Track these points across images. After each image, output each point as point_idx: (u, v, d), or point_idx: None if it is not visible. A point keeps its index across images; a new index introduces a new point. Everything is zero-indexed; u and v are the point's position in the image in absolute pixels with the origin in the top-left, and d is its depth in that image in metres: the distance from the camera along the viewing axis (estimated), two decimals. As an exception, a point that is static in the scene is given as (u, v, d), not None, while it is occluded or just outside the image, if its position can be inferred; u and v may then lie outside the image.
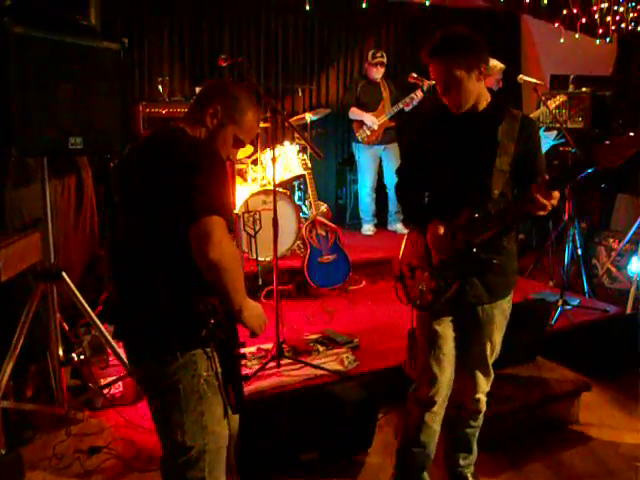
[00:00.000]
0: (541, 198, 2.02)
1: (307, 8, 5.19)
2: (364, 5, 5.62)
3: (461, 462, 2.65)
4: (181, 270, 1.73)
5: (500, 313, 2.42)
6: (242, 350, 1.96)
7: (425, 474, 2.60)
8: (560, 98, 4.75)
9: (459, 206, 2.27)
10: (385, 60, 5.95)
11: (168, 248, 1.74)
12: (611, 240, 5.24)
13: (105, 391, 3.28)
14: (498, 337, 2.45)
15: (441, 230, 2.29)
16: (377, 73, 5.98)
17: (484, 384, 2.51)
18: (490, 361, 2.49)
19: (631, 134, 2.02)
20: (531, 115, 4.89)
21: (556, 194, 2.05)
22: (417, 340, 2.51)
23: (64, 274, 2.91)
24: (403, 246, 2.53)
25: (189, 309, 1.75)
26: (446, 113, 2.32)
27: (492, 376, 2.53)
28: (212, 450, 1.84)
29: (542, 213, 2.09)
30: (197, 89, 4.66)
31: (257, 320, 1.86)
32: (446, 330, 2.40)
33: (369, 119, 5.90)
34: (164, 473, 1.94)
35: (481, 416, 2.59)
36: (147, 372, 1.87)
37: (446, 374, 2.42)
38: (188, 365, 1.78)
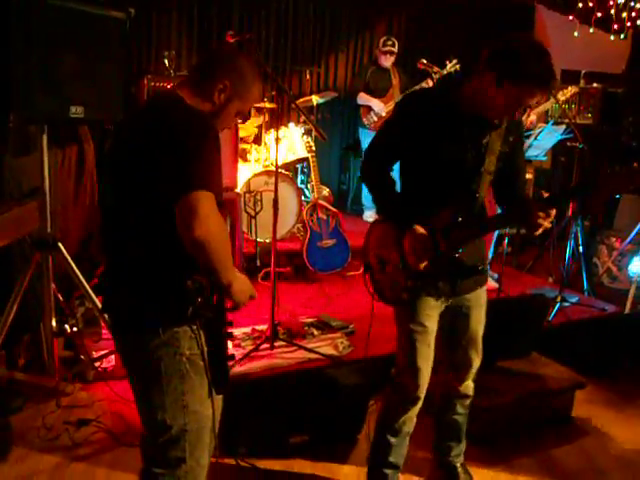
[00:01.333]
0: (539, 219, 2.02)
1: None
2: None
3: (452, 452, 2.64)
4: (169, 245, 1.67)
5: (484, 295, 2.44)
6: (231, 329, 1.92)
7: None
8: (571, 90, 4.68)
9: (440, 206, 2.19)
10: (395, 49, 5.89)
11: (157, 222, 1.68)
12: (613, 239, 5.21)
13: (97, 364, 3.27)
14: (484, 318, 2.46)
15: (422, 238, 2.18)
16: (387, 61, 5.92)
17: (475, 367, 2.51)
18: (481, 340, 2.47)
19: (635, 164, 2.00)
20: (539, 108, 4.84)
21: (553, 212, 2.04)
22: (397, 329, 2.43)
23: (60, 244, 2.89)
24: (369, 235, 2.42)
25: (175, 285, 1.70)
26: (455, 110, 2.16)
27: (480, 358, 2.51)
28: (193, 430, 1.80)
29: (536, 232, 2.08)
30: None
31: (244, 295, 1.81)
32: (433, 324, 2.35)
33: (377, 105, 5.85)
34: (144, 451, 1.91)
35: (469, 402, 2.58)
36: (128, 347, 1.83)
37: (430, 368, 2.40)
38: (170, 342, 1.73)
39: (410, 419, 2.48)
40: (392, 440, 2.50)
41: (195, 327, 1.75)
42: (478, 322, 2.43)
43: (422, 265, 2.21)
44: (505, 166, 2.26)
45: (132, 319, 1.77)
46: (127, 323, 1.80)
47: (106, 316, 3.00)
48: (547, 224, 2.06)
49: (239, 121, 2.00)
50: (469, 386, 2.54)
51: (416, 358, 2.35)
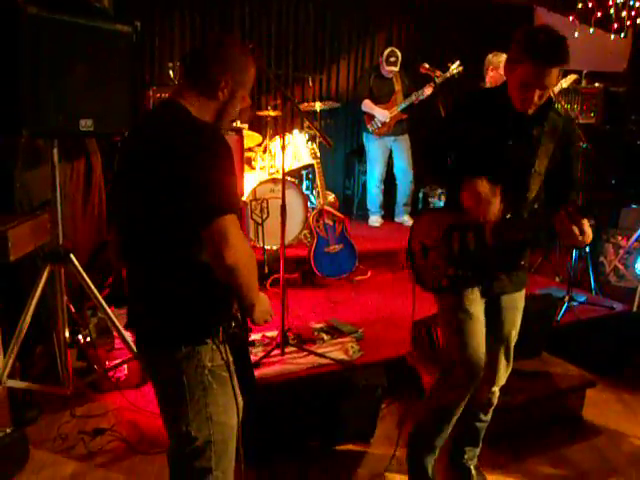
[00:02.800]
0: (569, 224, 2.02)
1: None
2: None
3: (466, 455, 2.65)
4: (194, 264, 1.69)
5: (521, 300, 2.44)
6: (251, 336, 1.96)
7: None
8: (570, 78, 4.65)
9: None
10: (399, 63, 5.92)
11: (183, 243, 1.69)
12: (619, 238, 5.20)
13: (110, 374, 3.30)
14: (519, 322, 2.45)
15: (485, 186, 2.13)
16: (390, 73, 5.96)
17: (504, 375, 2.50)
18: (512, 347, 2.46)
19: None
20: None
21: (585, 221, 2.02)
22: (443, 324, 2.42)
23: (72, 256, 2.92)
24: (416, 223, 2.47)
25: (199, 303, 1.73)
26: (503, 107, 2.19)
27: (510, 367, 2.50)
28: (218, 441, 1.81)
29: (573, 242, 2.07)
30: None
31: (264, 315, 1.84)
32: (479, 311, 2.33)
33: (381, 113, 5.87)
34: (171, 463, 1.91)
35: (492, 410, 2.58)
36: (151, 361, 1.85)
37: (484, 355, 2.34)
38: (191, 355, 1.75)
39: (460, 408, 2.44)
40: (446, 427, 2.48)
41: (217, 340, 1.77)
42: (512, 325, 2.42)
43: (494, 211, 2.15)
44: (558, 173, 2.26)
45: (155, 335, 1.79)
46: (151, 338, 1.82)
47: (119, 325, 3.03)
48: (582, 232, 2.02)
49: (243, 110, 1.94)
50: (495, 393, 2.53)
51: (467, 342, 2.30)
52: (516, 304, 2.42)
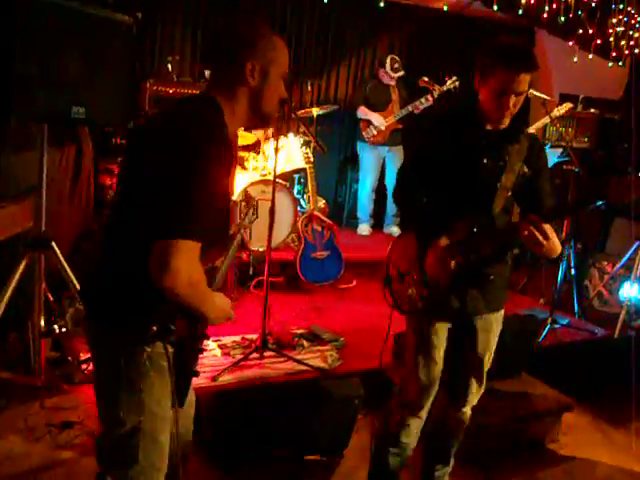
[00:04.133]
0: (532, 230, 2.01)
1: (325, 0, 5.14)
2: (382, 4, 5.59)
3: (436, 473, 2.63)
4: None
5: (497, 322, 2.42)
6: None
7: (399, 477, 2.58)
8: (565, 106, 4.70)
9: (458, 220, 2.23)
10: (402, 68, 5.93)
11: (147, 233, 1.56)
12: (605, 263, 5.23)
13: (84, 366, 3.24)
14: (494, 346, 2.44)
15: (441, 254, 2.23)
16: (391, 80, 5.97)
17: (475, 396, 2.48)
18: (485, 370, 2.46)
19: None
20: (537, 124, 4.87)
21: (548, 227, 2.03)
22: (407, 343, 2.47)
23: (53, 244, 2.87)
24: (392, 248, 2.48)
25: (156, 295, 1.57)
26: (473, 126, 2.25)
27: (483, 388, 2.49)
28: (147, 430, 1.71)
29: (539, 250, 2.07)
30: (206, 72, 4.59)
31: (219, 319, 1.75)
32: (441, 338, 2.37)
33: (377, 119, 5.88)
34: (98, 449, 1.81)
35: (463, 429, 2.56)
36: (94, 338, 1.77)
37: (436, 382, 2.41)
38: (133, 338, 1.66)
39: (412, 434, 2.48)
40: (391, 449, 2.51)
41: (162, 331, 1.68)
42: (484, 348, 2.41)
43: (445, 277, 2.23)
44: (528, 189, 2.28)
45: (103, 311, 1.71)
46: (98, 314, 1.74)
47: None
48: (542, 240, 2.02)
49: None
50: (465, 413, 2.52)
51: (419, 369, 2.36)
52: (490, 327, 2.40)
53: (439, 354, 2.38)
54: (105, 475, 1.77)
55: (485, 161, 2.23)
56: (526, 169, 2.25)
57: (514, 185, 2.24)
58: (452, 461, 2.64)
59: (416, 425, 2.48)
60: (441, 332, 2.36)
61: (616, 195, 1.86)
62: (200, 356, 1.86)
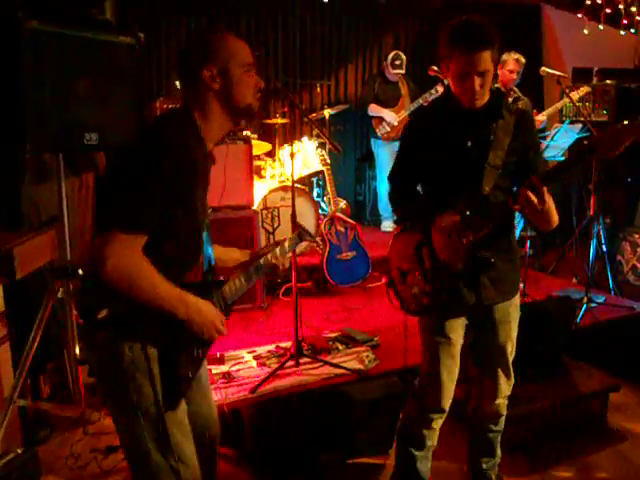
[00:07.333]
0: (530, 194, 1.95)
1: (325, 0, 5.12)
2: (382, -1, 5.56)
3: (484, 465, 2.58)
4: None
5: (515, 309, 2.37)
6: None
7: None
8: (584, 90, 4.63)
9: (451, 205, 2.18)
10: (404, 65, 5.88)
11: None
12: (636, 236, 5.10)
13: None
14: (515, 334, 2.39)
15: (449, 233, 2.16)
16: (395, 76, 5.93)
17: (506, 388, 2.43)
18: (511, 360, 2.41)
19: (625, 122, 1.89)
20: (552, 107, 4.78)
21: (545, 189, 1.96)
22: (423, 344, 2.41)
23: (80, 271, 2.88)
24: (391, 250, 2.43)
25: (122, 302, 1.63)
26: (452, 110, 2.21)
27: (513, 379, 2.44)
28: (151, 431, 1.71)
29: (536, 217, 2.02)
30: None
31: (207, 329, 1.74)
32: (458, 337, 2.32)
33: (388, 115, 5.84)
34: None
35: (502, 420, 2.51)
36: (87, 340, 1.81)
37: (453, 381, 2.36)
38: (116, 342, 1.68)
39: (433, 432, 2.44)
40: (416, 453, 2.46)
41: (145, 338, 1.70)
42: (505, 339, 2.36)
43: (459, 262, 2.16)
44: (520, 162, 2.23)
45: (91, 313, 1.71)
46: (87, 316, 1.76)
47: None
48: (536, 201, 1.95)
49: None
50: (500, 405, 2.46)
51: (439, 370, 2.32)
52: (509, 316, 2.35)
53: (457, 352, 2.33)
54: None
55: (469, 143, 2.18)
56: (517, 144, 2.20)
57: (505, 162, 2.18)
58: (499, 452, 2.59)
59: (435, 422, 2.41)
60: (459, 329, 2.32)
61: (605, 149, 1.81)
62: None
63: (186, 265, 1.81)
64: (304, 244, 5.02)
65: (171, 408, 1.73)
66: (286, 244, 2.06)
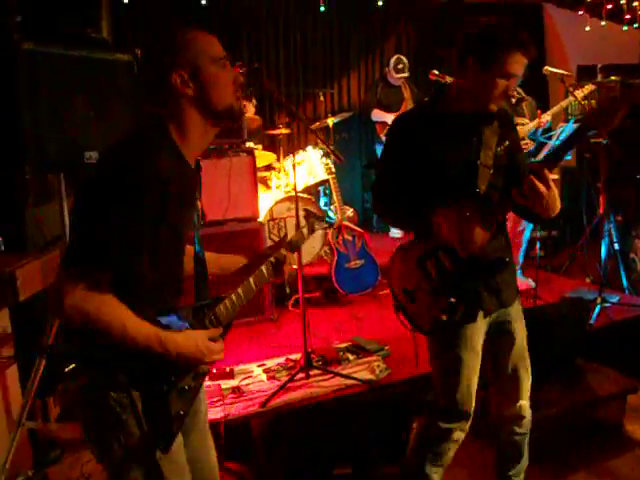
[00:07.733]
0: (534, 180, 1.91)
1: (322, 9, 5.12)
2: (380, 3, 5.54)
3: (511, 472, 2.52)
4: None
5: (520, 304, 2.36)
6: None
7: None
8: (588, 88, 4.58)
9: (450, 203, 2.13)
10: (407, 69, 5.86)
11: None
12: (649, 233, 5.04)
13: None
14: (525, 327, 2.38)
15: (463, 218, 2.08)
16: (397, 80, 5.91)
17: (526, 386, 2.38)
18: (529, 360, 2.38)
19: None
20: (557, 106, 4.74)
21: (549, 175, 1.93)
22: (436, 360, 2.35)
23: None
24: (390, 273, 2.37)
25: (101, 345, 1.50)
26: (443, 115, 2.18)
27: (530, 376, 2.40)
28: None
29: (540, 206, 1.96)
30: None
31: (195, 361, 1.59)
32: (480, 347, 2.26)
33: (392, 120, 5.81)
34: None
35: (526, 422, 2.44)
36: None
37: (475, 388, 2.30)
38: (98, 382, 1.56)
39: (455, 445, 2.36)
40: (433, 472, 2.38)
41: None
42: (523, 337, 2.34)
43: (478, 241, 2.09)
44: (511, 162, 2.21)
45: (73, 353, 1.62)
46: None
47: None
48: (543, 188, 1.91)
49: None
50: (523, 406, 2.41)
51: (460, 381, 2.25)
52: (520, 314, 2.35)
53: (479, 362, 2.28)
54: None
55: (463, 145, 2.15)
56: (507, 142, 2.19)
57: (495, 162, 2.16)
58: (525, 457, 2.52)
59: (457, 433, 2.33)
60: (480, 338, 2.26)
61: (599, 124, 1.79)
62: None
63: (169, 289, 1.68)
64: (313, 253, 5.00)
65: (163, 450, 1.59)
66: (305, 230, 2.02)
